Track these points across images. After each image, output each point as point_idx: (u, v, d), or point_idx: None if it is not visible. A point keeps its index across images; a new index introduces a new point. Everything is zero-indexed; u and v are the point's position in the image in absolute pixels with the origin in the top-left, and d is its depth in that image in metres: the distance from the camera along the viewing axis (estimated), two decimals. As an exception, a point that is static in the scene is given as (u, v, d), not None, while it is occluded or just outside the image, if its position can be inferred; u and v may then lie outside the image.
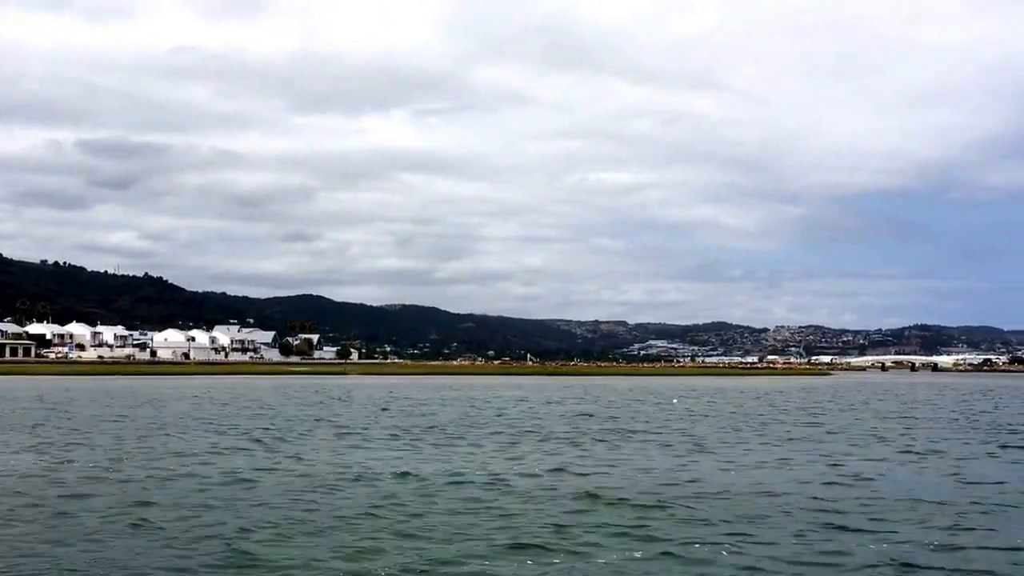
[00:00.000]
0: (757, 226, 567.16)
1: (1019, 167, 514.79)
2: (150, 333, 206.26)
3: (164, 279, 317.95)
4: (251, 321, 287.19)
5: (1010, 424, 43.83)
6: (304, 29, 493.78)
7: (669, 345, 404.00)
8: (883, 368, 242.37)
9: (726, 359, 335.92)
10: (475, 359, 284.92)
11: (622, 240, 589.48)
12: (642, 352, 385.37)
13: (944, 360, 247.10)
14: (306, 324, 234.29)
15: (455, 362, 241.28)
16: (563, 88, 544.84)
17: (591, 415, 46.81)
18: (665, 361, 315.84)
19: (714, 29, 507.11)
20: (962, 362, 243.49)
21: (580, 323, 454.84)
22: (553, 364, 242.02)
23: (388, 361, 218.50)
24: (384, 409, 49.98)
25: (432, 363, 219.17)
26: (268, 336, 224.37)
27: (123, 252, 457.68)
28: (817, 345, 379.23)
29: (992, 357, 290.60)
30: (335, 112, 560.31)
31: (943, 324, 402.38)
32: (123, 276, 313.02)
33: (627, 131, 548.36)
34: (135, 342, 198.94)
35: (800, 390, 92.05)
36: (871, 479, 22.19)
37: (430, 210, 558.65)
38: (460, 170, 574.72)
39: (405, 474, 22.04)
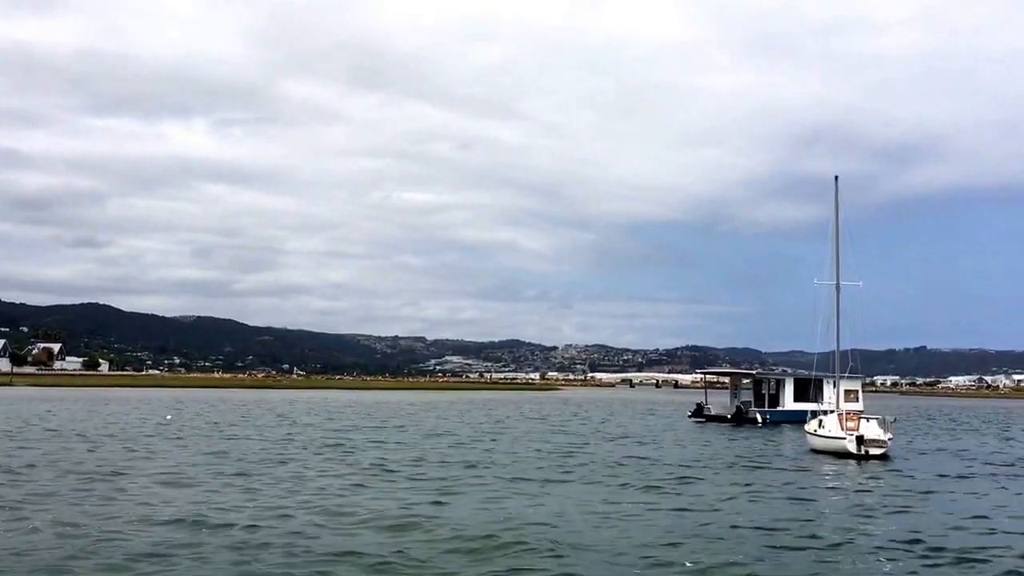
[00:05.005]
0: (552, 250, 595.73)
1: (778, 205, 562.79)
2: None
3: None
4: (31, 330, 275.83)
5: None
6: (100, 27, 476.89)
7: (464, 361, 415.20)
8: (631, 385, 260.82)
9: (515, 375, 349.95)
10: (269, 372, 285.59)
11: (424, 258, 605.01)
12: (438, 368, 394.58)
13: (685, 379, 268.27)
14: (51, 332, 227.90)
15: (217, 375, 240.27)
16: (369, 107, 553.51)
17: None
18: (457, 377, 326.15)
19: (514, 60, 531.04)
20: (698, 380, 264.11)
21: (380, 338, 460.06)
22: (320, 378, 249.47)
23: (76, 373, 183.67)
24: None
25: (139, 375, 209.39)
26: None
27: None
28: (600, 363, 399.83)
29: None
30: (131, 116, 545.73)
31: (711, 345, 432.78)
32: None
33: (429, 153, 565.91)
34: None
35: (437, 404, 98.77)
36: None
37: (231, 221, 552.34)
38: (264, 183, 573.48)
39: None
